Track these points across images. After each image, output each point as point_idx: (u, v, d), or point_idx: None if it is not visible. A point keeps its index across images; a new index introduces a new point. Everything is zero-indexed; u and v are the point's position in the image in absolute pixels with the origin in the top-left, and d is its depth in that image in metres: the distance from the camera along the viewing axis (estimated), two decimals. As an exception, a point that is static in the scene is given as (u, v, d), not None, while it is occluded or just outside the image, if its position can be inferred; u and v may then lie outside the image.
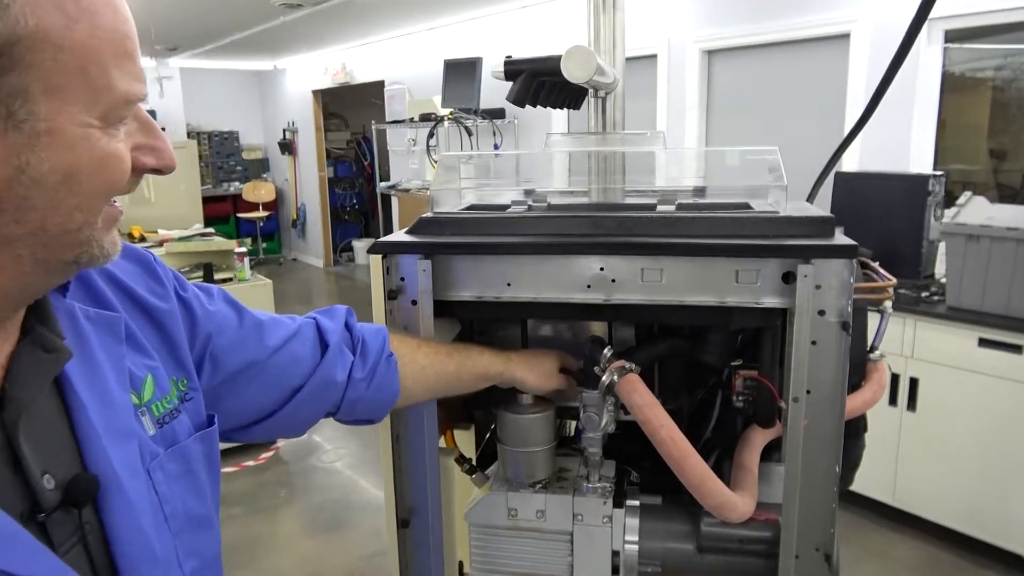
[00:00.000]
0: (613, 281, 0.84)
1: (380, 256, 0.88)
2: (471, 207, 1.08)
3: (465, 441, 1.16)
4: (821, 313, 0.78)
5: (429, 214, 0.93)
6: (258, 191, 9.32)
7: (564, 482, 0.98)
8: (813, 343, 0.79)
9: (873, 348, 1.14)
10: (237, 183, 9.42)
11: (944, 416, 2.52)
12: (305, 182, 9.26)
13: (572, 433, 1.10)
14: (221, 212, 9.19)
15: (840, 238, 0.79)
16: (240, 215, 9.26)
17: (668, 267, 0.82)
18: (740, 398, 0.92)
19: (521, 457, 0.95)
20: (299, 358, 0.75)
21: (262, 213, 9.25)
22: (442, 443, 1.01)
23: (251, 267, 3.41)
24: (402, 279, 0.89)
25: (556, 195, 1.03)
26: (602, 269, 0.84)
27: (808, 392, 0.81)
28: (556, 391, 0.93)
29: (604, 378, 0.87)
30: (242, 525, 3.15)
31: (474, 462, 1.03)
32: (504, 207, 0.95)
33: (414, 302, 0.89)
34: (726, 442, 1.07)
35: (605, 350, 0.89)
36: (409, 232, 0.91)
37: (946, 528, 2.55)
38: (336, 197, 9.42)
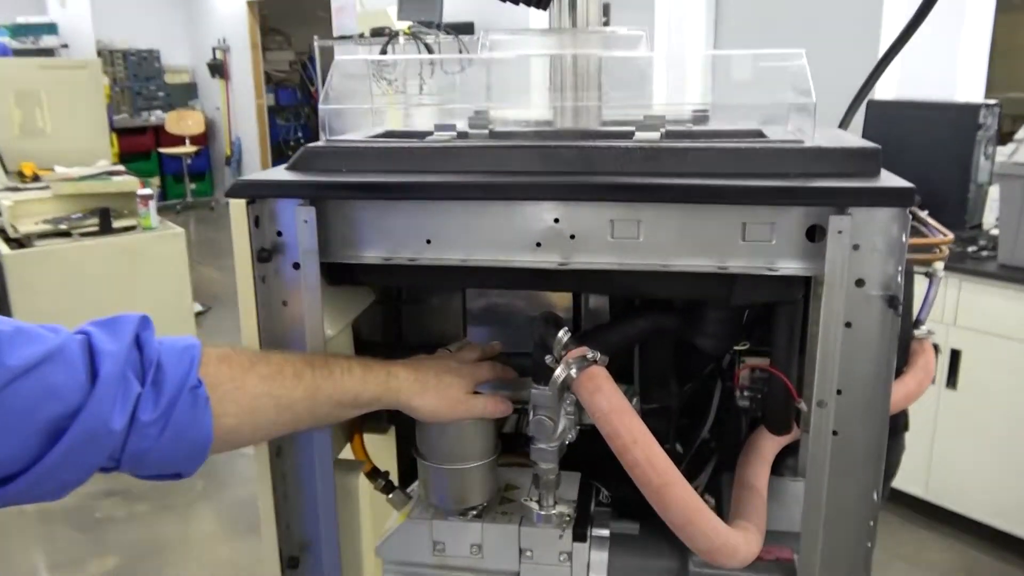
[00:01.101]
0: (572, 238, 0.78)
1: (244, 202, 0.80)
2: (386, 135, 0.99)
3: (382, 449, 1.09)
4: (859, 283, 0.73)
5: (319, 143, 0.86)
6: (184, 122, 9.12)
7: (509, 505, 0.93)
8: (847, 325, 0.74)
9: (919, 322, 1.08)
10: (159, 112, 9.22)
11: (989, 396, 2.47)
12: (240, 111, 9.06)
13: (523, 428, 1.04)
14: (140, 147, 9.01)
15: (888, 178, 0.73)
16: (163, 150, 9.08)
17: (648, 218, 0.76)
18: (745, 394, 0.88)
19: (449, 476, 0.89)
20: (55, 390, 0.63)
21: (189, 148, 9.07)
22: (349, 453, 1.00)
23: (179, 211, 3.24)
24: (279, 234, 0.82)
25: (505, 120, 1.01)
26: (557, 221, 0.78)
27: (839, 392, 0.75)
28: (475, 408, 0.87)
29: (558, 372, 0.81)
30: (147, 526, 3.04)
31: (392, 477, 0.99)
32: (426, 134, 0.89)
33: (296, 266, 0.82)
34: (726, 450, 1.02)
35: (560, 332, 0.83)
36: (291, 168, 0.84)
37: (987, 526, 2.55)
38: (278, 129, 9.23)
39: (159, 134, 9.13)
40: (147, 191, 3.71)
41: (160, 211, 4.04)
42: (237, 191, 0.80)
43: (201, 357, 0.72)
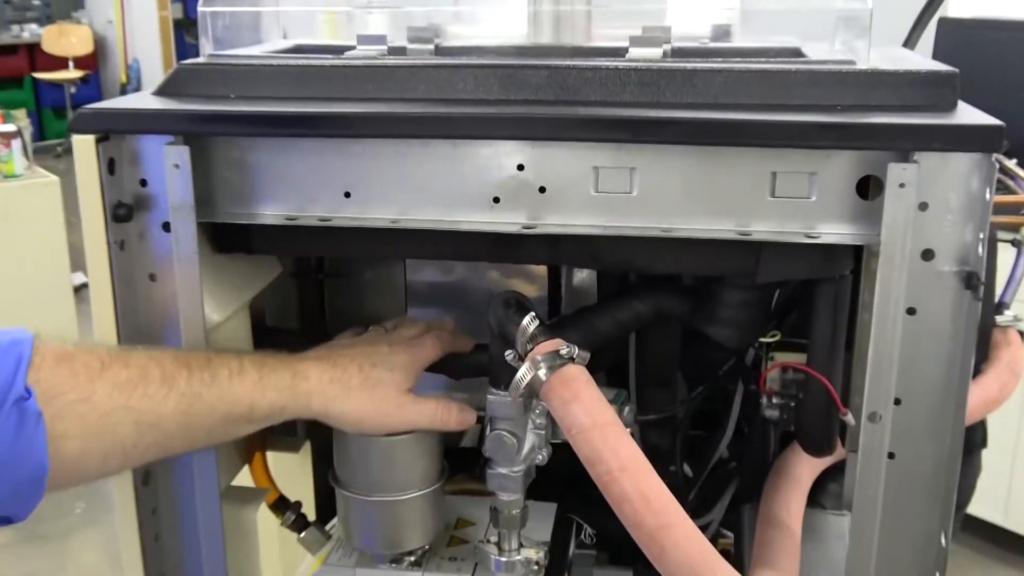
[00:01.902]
0: (542, 191, 0.79)
1: (93, 139, 0.79)
2: (293, 50, 1.00)
3: (293, 470, 1.08)
4: (927, 255, 0.73)
5: (198, 59, 0.89)
6: (66, 39, 9.04)
7: (460, 548, 0.95)
8: (910, 311, 0.74)
9: (1002, 306, 1.07)
10: (34, 26, 9.10)
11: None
12: (139, 26, 8.98)
13: (477, 443, 1.04)
14: (10, 71, 8.93)
15: (968, 113, 0.74)
16: (39, 76, 8.98)
17: (645, 166, 0.77)
18: (774, 401, 0.90)
19: (378, 510, 0.90)
20: None
21: (73, 73, 8.98)
22: (247, 477, 0.99)
23: (59, 155, 3.16)
24: (142, 184, 0.82)
25: (459, 34, 1.04)
26: (521, 168, 0.79)
27: (897, 402, 0.76)
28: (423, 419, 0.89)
29: (522, 372, 0.80)
30: (15, 558, 3.02)
31: (306, 510, 1.02)
32: (347, 49, 0.91)
33: (167, 227, 0.82)
34: (748, 474, 1.04)
35: (525, 319, 0.83)
36: (160, 93, 0.85)
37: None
38: (187, 49, 9.12)
39: (34, 55, 9.05)
40: (9, 127, 3.64)
41: (34, 154, 3.98)
42: (82, 123, 0.78)
43: (32, 356, 0.70)
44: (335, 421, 0.85)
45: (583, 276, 1.08)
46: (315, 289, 1.13)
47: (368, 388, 0.84)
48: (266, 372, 0.81)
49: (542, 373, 0.79)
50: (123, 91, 9.07)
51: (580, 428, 0.76)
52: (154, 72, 8.87)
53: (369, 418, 0.85)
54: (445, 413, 0.88)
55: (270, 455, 1.01)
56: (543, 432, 0.87)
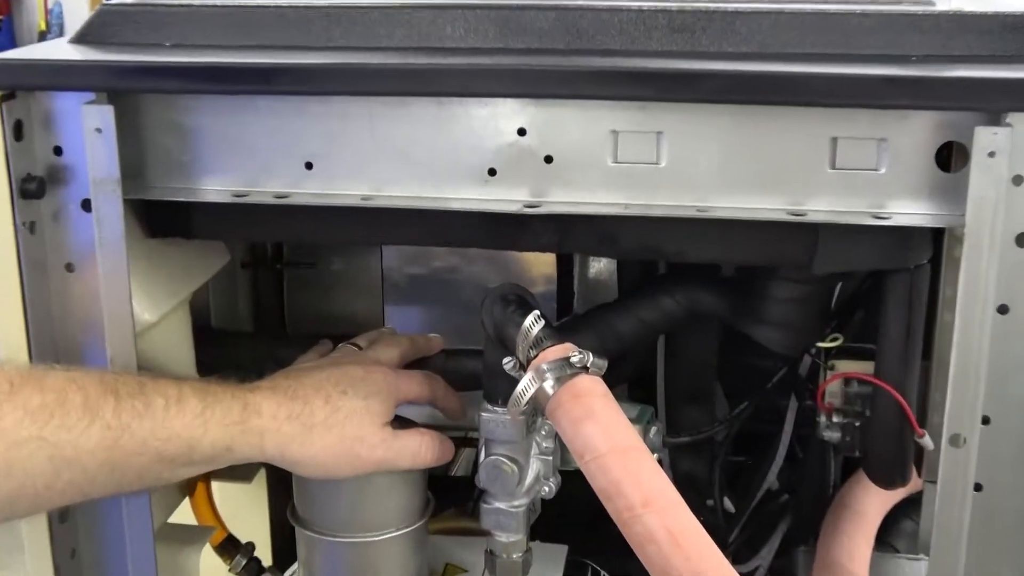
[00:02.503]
0: (548, 161, 0.80)
1: None
2: None
3: (244, 504, 1.08)
4: (1022, 241, 0.73)
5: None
6: None
7: None
8: (1002, 310, 0.75)
9: None
10: None
11: None
12: None
13: (471, 471, 1.06)
14: None
15: None
16: None
17: (676, 129, 0.77)
18: (835, 421, 0.92)
19: (347, 554, 0.91)
20: None
21: None
22: (187, 513, 1.00)
23: None
24: (57, 152, 0.82)
25: None
26: (523, 133, 0.79)
27: (985, 421, 0.76)
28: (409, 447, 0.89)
29: (524, 384, 0.80)
30: None
31: (260, 552, 1.03)
32: None
33: (87, 205, 0.82)
34: (803, 509, 1.04)
35: (528, 320, 0.83)
36: (78, 41, 0.86)
37: None
38: (121, -6, 9.20)
39: (-67, -2, 9.10)
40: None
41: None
42: (-17, 78, 0.79)
43: None
44: (294, 467, 0.86)
45: (599, 267, 1.09)
46: (272, 283, 1.13)
47: (336, 425, 0.85)
48: (210, 403, 0.81)
49: (548, 385, 0.79)
50: (42, 40, 9.12)
51: (595, 453, 0.76)
52: (80, 18, 8.91)
53: (336, 463, 0.86)
54: (429, 449, 0.89)
55: (217, 486, 1.01)
56: (550, 458, 0.87)
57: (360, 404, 0.86)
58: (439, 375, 0.96)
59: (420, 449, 0.88)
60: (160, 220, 0.87)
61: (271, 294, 1.13)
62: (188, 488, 0.99)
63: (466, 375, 0.96)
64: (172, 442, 0.79)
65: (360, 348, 0.95)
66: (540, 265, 1.10)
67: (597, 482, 0.76)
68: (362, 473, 0.88)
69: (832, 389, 0.90)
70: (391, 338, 0.97)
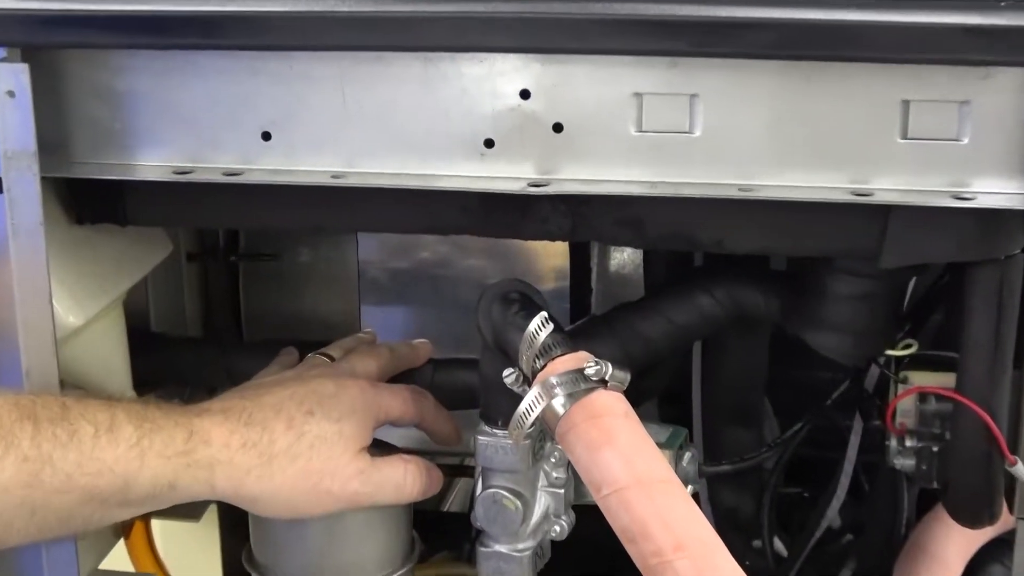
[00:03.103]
0: (558, 130, 0.80)
1: None
2: None
3: (190, 549, 1.11)
4: None
5: None
6: None
7: None
8: None
9: None
10: None
11: None
12: None
13: (466, 506, 1.05)
14: None
15: None
16: None
17: (713, 91, 0.78)
18: (909, 444, 0.92)
19: None
20: None
21: None
22: (122, 557, 1.01)
23: None
24: None
25: None
26: (526, 96, 0.80)
27: None
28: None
29: (528, 402, 0.80)
30: None
31: None
32: None
33: None
34: (870, 552, 1.06)
35: (534, 323, 0.82)
36: None
37: None
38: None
39: None
40: None
41: None
42: None
43: None
44: (251, 505, 0.86)
45: (622, 258, 1.10)
46: (225, 279, 1.14)
47: (300, 454, 0.85)
48: (148, 430, 0.81)
49: (559, 403, 0.78)
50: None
51: (615, 486, 0.75)
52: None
53: (302, 499, 0.86)
54: (415, 480, 0.89)
55: (158, 526, 1.01)
56: (561, 491, 0.88)
57: (330, 428, 0.86)
58: (427, 390, 0.96)
59: (404, 480, 0.88)
60: (87, 203, 0.87)
61: (223, 292, 1.14)
62: (123, 528, 0.99)
63: (459, 390, 0.96)
64: (103, 477, 0.79)
65: (332, 359, 0.95)
66: (549, 257, 1.10)
67: (618, 521, 0.75)
68: (333, 511, 0.87)
69: (904, 406, 0.90)
70: (369, 347, 0.97)
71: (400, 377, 0.98)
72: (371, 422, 0.89)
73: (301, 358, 0.98)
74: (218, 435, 0.83)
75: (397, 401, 0.92)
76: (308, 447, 0.85)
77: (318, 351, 0.97)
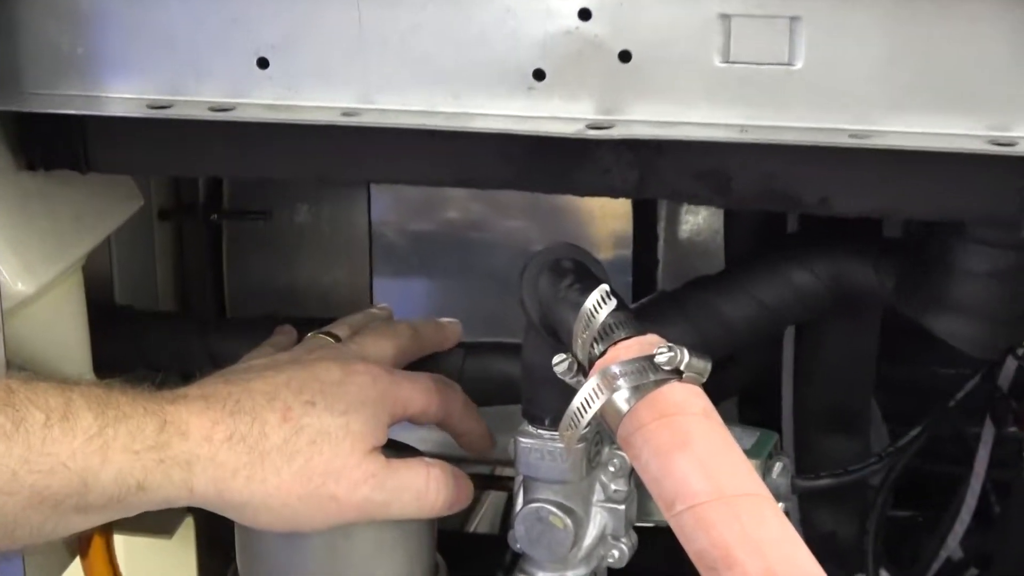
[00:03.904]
0: (625, 59, 0.80)
1: None
2: None
3: (160, 570, 1.12)
4: None
5: None
6: None
7: None
8: None
9: None
10: None
11: None
12: None
13: (500, 524, 1.11)
14: None
15: None
16: None
17: (817, 12, 0.77)
18: None
19: None
20: None
21: None
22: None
23: None
24: None
25: None
26: (586, 16, 0.80)
27: None
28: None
29: (584, 396, 0.79)
30: None
31: None
32: None
33: None
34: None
35: (592, 298, 0.82)
36: None
37: None
38: None
39: None
40: None
41: None
42: None
43: None
44: (237, 513, 0.87)
45: (697, 222, 1.10)
46: (205, 241, 1.15)
47: (299, 451, 0.85)
48: (112, 419, 0.81)
49: (622, 398, 0.78)
50: None
51: (692, 501, 0.75)
52: None
53: (300, 508, 0.86)
54: (439, 488, 0.89)
55: (122, 541, 1.02)
56: (621, 507, 0.88)
57: (335, 422, 0.86)
58: (455, 380, 0.97)
59: (426, 488, 0.88)
60: (41, 144, 0.87)
61: (203, 258, 1.14)
62: (79, 545, 0.99)
63: (495, 382, 0.97)
64: (56, 476, 0.79)
65: (337, 339, 0.96)
66: (608, 219, 1.10)
67: (695, 543, 0.75)
68: (337, 524, 0.88)
69: (1051, 411, 0.88)
70: (385, 325, 0.98)
71: (422, 364, 0.98)
72: (385, 417, 0.89)
73: (300, 339, 0.99)
74: (198, 426, 0.83)
75: (418, 392, 0.92)
76: (308, 443, 0.85)
77: (320, 330, 0.97)
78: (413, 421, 0.93)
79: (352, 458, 0.86)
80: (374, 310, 1.04)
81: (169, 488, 0.83)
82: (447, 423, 0.95)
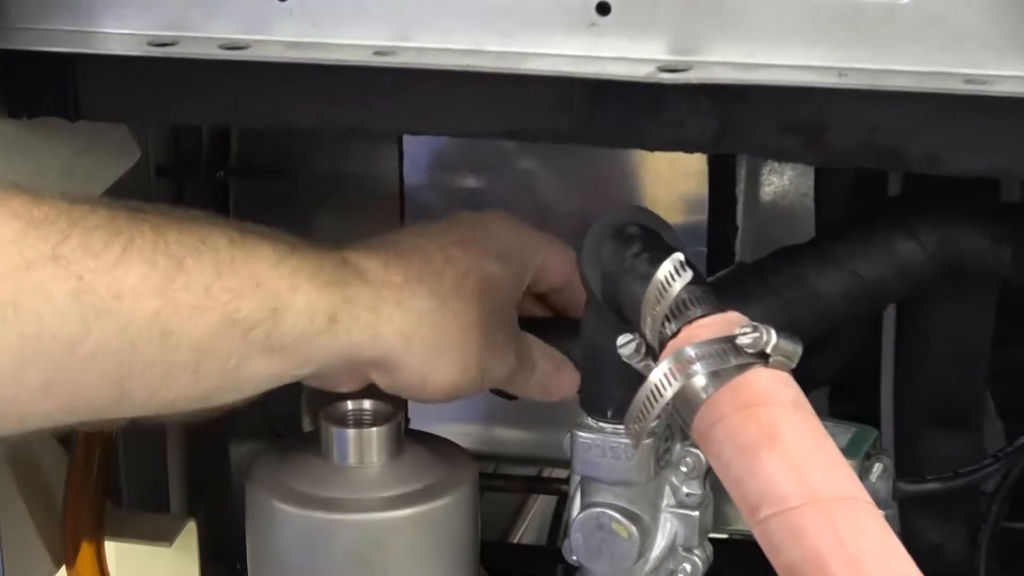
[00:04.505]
0: None
1: None
2: None
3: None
4: None
5: None
6: None
7: None
8: None
9: None
10: None
11: None
12: None
13: (551, 533, 1.12)
14: None
15: None
16: None
17: None
18: None
19: None
20: None
21: None
22: None
23: None
24: None
25: None
26: None
27: None
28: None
29: (654, 382, 0.78)
30: None
31: None
32: None
33: None
34: None
35: (663, 269, 0.82)
36: None
37: None
38: None
39: None
40: None
41: None
42: None
43: None
44: (417, 371, 0.90)
45: (782, 183, 1.10)
46: (209, 202, 1.15)
47: (472, 294, 0.89)
48: (287, 252, 0.86)
49: (699, 385, 0.77)
50: None
51: (781, 506, 0.75)
52: None
53: (474, 363, 0.90)
54: (557, 377, 0.94)
55: (115, 550, 1.03)
56: (695, 514, 0.88)
57: (494, 268, 0.91)
58: None
59: (549, 375, 0.94)
60: (26, 87, 0.88)
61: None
62: (65, 551, 1.00)
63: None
64: (247, 299, 0.83)
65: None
66: (678, 179, 1.09)
67: (784, 554, 0.75)
68: (468, 393, 0.92)
69: None
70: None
71: None
72: (527, 272, 0.94)
73: None
74: (374, 267, 0.88)
75: (557, 251, 0.96)
76: (476, 288, 0.90)
77: None
78: (539, 290, 0.96)
79: (510, 311, 0.91)
80: None
81: (356, 330, 0.87)
82: (569, 300, 0.97)
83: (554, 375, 0.93)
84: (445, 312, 0.88)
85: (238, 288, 0.82)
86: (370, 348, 0.87)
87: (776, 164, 1.09)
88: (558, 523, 1.02)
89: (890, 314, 1.03)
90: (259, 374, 0.86)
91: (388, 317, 0.86)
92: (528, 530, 1.25)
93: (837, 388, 1.05)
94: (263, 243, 0.85)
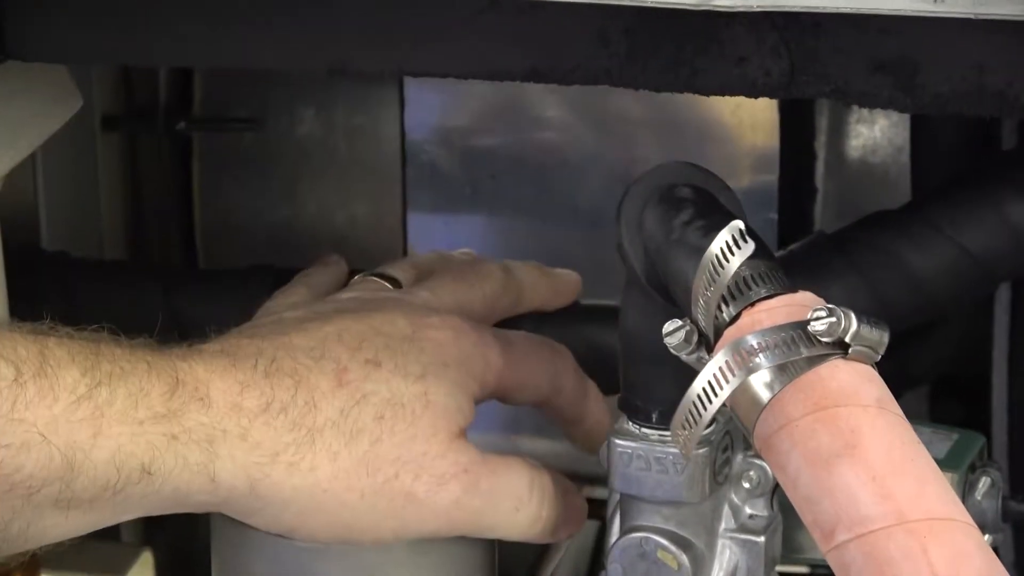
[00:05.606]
0: None
1: None
2: None
3: None
4: None
5: None
6: None
7: None
8: None
9: None
10: None
11: None
12: None
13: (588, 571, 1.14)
14: None
15: None
16: None
17: None
18: None
19: None
20: None
21: None
22: None
23: None
24: None
25: None
26: None
27: None
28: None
29: (706, 380, 0.79)
30: None
31: None
32: None
33: None
34: None
35: (719, 239, 0.81)
36: None
37: None
38: None
39: None
40: None
41: None
42: None
43: None
44: (276, 516, 0.88)
45: (872, 136, 1.11)
46: (167, 162, 1.17)
47: (364, 430, 0.87)
48: (105, 376, 0.82)
49: (762, 381, 0.77)
50: None
51: (860, 527, 0.75)
52: None
53: (366, 511, 0.87)
54: (542, 500, 0.91)
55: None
56: (760, 539, 0.88)
57: (409, 390, 0.88)
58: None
59: (529, 498, 0.90)
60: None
61: (165, 184, 1.16)
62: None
63: (581, 359, 0.97)
64: (31, 453, 0.79)
65: (398, 284, 0.97)
66: (744, 132, 1.10)
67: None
68: (412, 537, 0.89)
69: None
70: (466, 266, 0.98)
71: (514, 323, 0.99)
72: (473, 387, 0.90)
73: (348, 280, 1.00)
74: (222, 390, 0.84)
75: (517, 356, 0.93)
76: (374, 419, 0.86)
77: (371, 271, 0.98)
78: (506, 399, 0.94)
79: (435, 442, 0.87)
80: (457, 252, 1.04)
81: (183, 475, 0.83)
82: (554, 403, 0.96)
83: (526, 504, 0.91)
84: (315, 448, 0.85)
85: (19, 442, 0.79)
86: (203, 494, 0.85)
87: (865, 112, 1.09)
88: (599, 556, 1.02)
89: (1004, 296, 1.02)
90: (56, 530, 0.85)
91: (229, 455, 0.84)
92: (562, 566, 1.25)
93: (938, 387, 1.05)
94: (70, 369, 0.81)
